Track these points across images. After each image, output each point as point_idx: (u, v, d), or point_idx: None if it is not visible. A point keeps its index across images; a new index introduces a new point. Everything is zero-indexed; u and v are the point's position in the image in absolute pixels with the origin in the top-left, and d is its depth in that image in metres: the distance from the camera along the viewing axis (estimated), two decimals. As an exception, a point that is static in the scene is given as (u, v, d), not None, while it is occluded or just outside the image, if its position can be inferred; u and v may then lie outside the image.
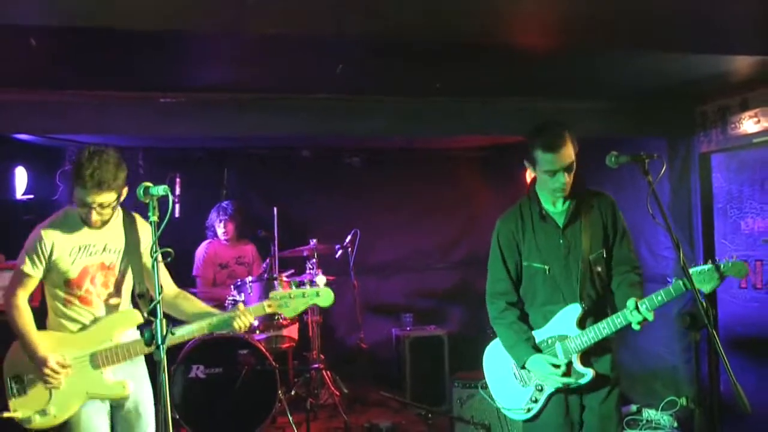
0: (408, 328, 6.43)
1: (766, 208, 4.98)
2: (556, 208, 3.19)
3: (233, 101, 4.57)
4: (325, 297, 3.16)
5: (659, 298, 2.95)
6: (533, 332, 3.22)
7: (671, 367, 5.58)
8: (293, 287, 3.30)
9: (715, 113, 5.19)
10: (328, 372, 5.86)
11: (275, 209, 5.73)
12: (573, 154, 3.03)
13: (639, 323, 2.96)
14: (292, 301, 3.14)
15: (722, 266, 2.90)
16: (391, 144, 6.42)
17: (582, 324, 3.11)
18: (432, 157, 6.88)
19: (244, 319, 3.08)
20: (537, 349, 3.18)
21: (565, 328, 3.14)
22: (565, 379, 3.09)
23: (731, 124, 5.03)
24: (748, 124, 4.87)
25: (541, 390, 3.20)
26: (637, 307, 2.94)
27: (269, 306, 3.16)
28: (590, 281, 3.14)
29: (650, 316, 2.93)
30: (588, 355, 3.14)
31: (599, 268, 3.14)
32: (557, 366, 3.09)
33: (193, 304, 3.25)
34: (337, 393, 5.78)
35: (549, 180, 3.07)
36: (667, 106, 5.28)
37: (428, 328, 6.41)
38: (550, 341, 3.16)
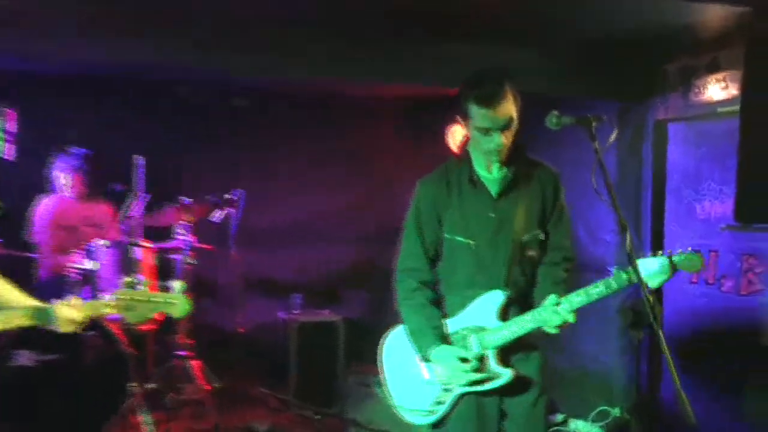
0: (297, 312, 6.43)
1: (726, 190, 5.07)
2: (491, 174, 3.18)
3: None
4: (180, 307, 3.11)
5: (596, 290, 2.96)
6: (447, 321, 3.22)
7: (605, 370, 5.70)
8: (144, 287, 3.16)
9: (678, 75, 5.26)
10: (197, 361, 5.75)
11: (139, 159, 5.62)
12: (513, 111, 3.04)
13: (557, 326, 2.98)
14: (139, 306, 3.06)
15: (675, 258, 2.93)
16: (288, 86, 6.30)
17: (504, 315, 3.13)
18: (339, 105, 6.77)
19: (67, 312, 2.97)
20: (447, 341, 3.19)
21: (483, 317, 3.15)
22: (475, 376, 3.09)
23: (695, 89, 5.10)
24: (714, 90, 4.95)
25: (449, 390, 3.20)
26: (557, 305, 2.97)
27: (109, 306, 3.06)
28: (520, 266, 3.16)
29: (572, 318, 2.95)
30: (509, 353, 3.16)
31: (532, 252, 3.17)
32: (466, 360, 3.10)
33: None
34: (207, 387, 5.69)
35: (482, 139, 3.06)
36: (621, 64, 5.31)
37: (322, 313, 6.43)
38: (464, 333, 3.18)
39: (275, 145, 6.78)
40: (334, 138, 6.89)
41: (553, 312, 2.96)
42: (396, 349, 3.36)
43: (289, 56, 4.80)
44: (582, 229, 5.80)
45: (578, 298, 2.96)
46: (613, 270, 2.99)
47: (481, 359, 3.12)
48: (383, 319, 5.42)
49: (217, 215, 5.79)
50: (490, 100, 2.98)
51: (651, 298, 2.70)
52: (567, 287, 3.11)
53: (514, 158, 3.15)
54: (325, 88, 6.48)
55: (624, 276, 2.91)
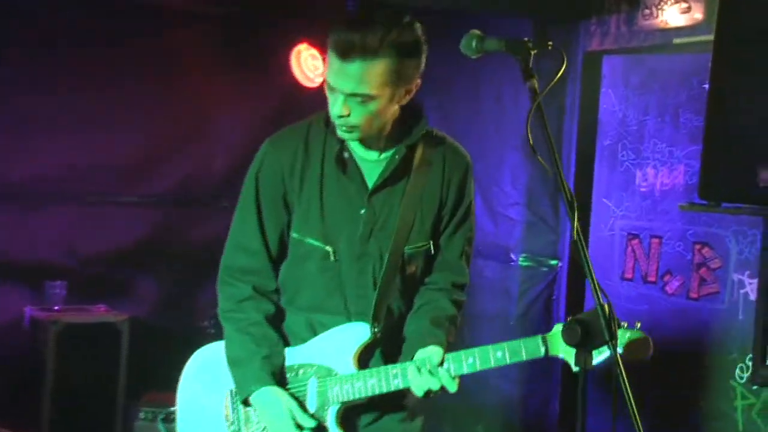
0: (57, 307, 6.19)
1: (677, 153, 5.14)
2: (369, 153, 3.07)
3: None
4: None
5: (497, 356, 2.87)
6: (287, 349, 3.14)
7: (503, 400, 5.70)
8: None
9: None
10: None
11: None
12: (376, 86, 2.86)
13: (426, 393, 2.92)
14: None
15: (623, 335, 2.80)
16: None
17: (363, 360, 3.06)
18: (128, 8, 6.46)
19: None
20: (280, 379, 3.10)
21: (334, 357, 3.07)
22: None
23: (644, 10, 5.23)
24: (671, 13, 5.06)
25: None
26: (441, 364, 2.92)
27: None
28: (398, 288, 3.12)
29: (452, 386, 2.90)
30: (362, 413, 3.11)
31: (415, 269, 3.13)
32: (301, 428, 3.02)
33: None
34: None
35: (329, 96, 2.93)
36: None
37: (94, 309, 6.31)
38: (303, 371, 3.11)
39: (38, 64, 6.35)
40: (120, 56, 6.56)
41: (429, 375, 2.90)
42: (205, 373, 3.27)
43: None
44: (477, 199, 5.71)
45: (469, 361, 2.88)
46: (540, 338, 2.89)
47: (319, 423, 3.05)
48: (189, 320, 5.03)
49: None
50: (343, 49, 2.82)
51: (606, 305, 2.52)
52: (451, 330, 3.07)
53: (407, 134, 3.07)
54: None
55: (542, 349, 2.82)
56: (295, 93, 6.35)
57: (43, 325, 5.96)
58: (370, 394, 2.99)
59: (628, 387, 2.41)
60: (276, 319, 3.14)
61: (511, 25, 5.44)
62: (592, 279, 2.56)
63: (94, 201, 6.72)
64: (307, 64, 6.53)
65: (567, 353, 2.79)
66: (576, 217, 2.56)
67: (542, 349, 2.83)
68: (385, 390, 2.97)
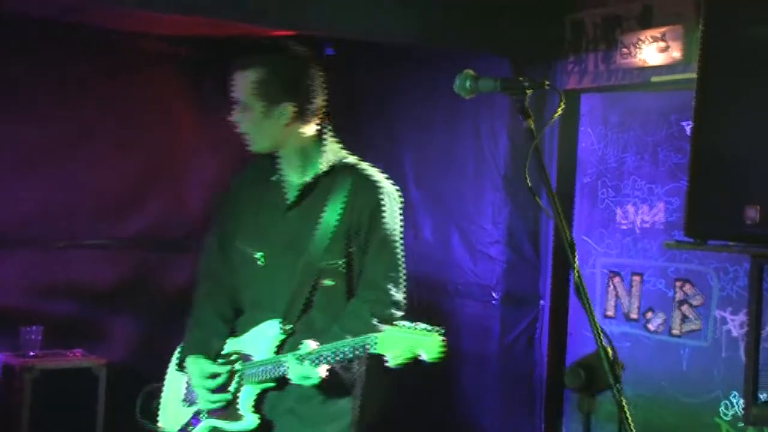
0: (32, 353, 6.09)
1: (657, 190, 5.15)
2: (293, 177, 3.46)
3: None
4: None
5: (346, 348, 3.12)
6: (230, 339, 3.54)
7: None
8: None
9: (597, 27, 5.30)
10: None
11: None
12: (248, 95, 3.34)
13: (303, 379, 3.23)
14: None
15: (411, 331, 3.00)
16: (22, 6, 5.84)
17: (277, 351, 3.40)
18: (102, 42, 6.41)
19: None
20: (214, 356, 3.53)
21: (254, 347, 3.46)
22: (215, 399, 3.43)
23: (622, 48, 5.21)
24: (649, 51, 5.04)
25: (199, 414, 3.55)
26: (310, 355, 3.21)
27: None
28: (308, 297, 3.39)
29: (315, 376, 3.18)
30: (280, 397, 3.40)
31: (329, 282, 3.40)
32: (215, 376, 3.43)
33: None
34: None
35: None
36: (516, 5, 5.32)
37: (71, 354, 6.22)
38: (233, 357, 3.50)
39: (6, 97, 6.25)
40: (90, 95, 6.50)
41: (296, 360, 3.20)
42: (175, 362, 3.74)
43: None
44: (455, 235, 5.80)
45: (325, 353, 3.17)
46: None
47: (234, 397, 3.43)
48: (167, 364, 5.05)
49: None
50: (236, 64, 3.38)
51: (608, 347, 2.56)
52: (382, 315, 3.27)
53: (324, 162, 3.43)
54: (89, 18, 6.09)
55: (373, 347, 3.03)
56: None
57: (18, 372, 5.85)
58: (268, 377, 3.33)
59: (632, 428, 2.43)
60: (225, 314, 3.54)
61: (489, 63, 5.40)
62: (594, 321, 2.56)
63: (66, 245, 6.61)
64: None
65: (392, 352, 2.94)
66: (576, 259, 2.58)
67: (373, 348, 3.00)
68: (276, 375, 3.29)
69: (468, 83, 2.82)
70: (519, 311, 5.51)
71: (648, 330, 5.10)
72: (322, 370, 3.17)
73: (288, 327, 3.36)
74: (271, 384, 3.37)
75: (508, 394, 5.59)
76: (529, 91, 2.71)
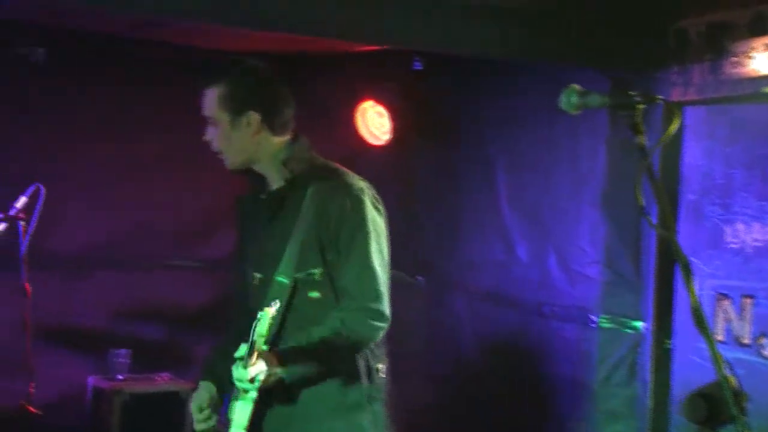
0: (120, 377, 6.19)
1: None
2: (275, 183, 3.63)
3: None
4: None
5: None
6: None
7: None
8: None
9: (702, 36, 5.14)
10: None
11: None
12: (215, 108, 3.54)
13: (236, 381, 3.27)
14: None
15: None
16: (109, 27, 5.95)
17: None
18: (183, 60, 6.41)
19: None
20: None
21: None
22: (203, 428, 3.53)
23: (730, 57, 5.01)
24: (762, 60, 4.83)
25: None
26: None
27: None
28: (299, 312, 3.47)
29: (244, 378, 3.21)
30: (272, 416, 3.49)
31: (314, 294, 3.49)
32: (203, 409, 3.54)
33: None
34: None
35: None
36: (614, 16, 5.19)
37: (159, 378, 6.33)
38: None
39: (90, 120, 6.36)
40: (176, 112, 6.14)
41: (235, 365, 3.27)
42: None
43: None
44: (552, 258, 5.70)
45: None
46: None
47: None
48: None
49: None
50: (199, 84, 3.60)
51: (733, 380, 2.53)
52: (339, 339, 3.37)
53: (292, 165, 3.57)
54: (173, 37, 6.19)
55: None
56: (361, 151, 6.23)
57: (107, 395, 5.97)
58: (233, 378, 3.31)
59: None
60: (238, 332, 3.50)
61: (586, 76, 4.98)
62: (713, 348, 2.51)
63: (153, 266, 6.71)
64: (373, 121, 6.52)
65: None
66: (692, 281, 2.54)
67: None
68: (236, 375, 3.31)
69: (574, 99, 2.77)
70: (619, 335, 5.34)
71: (763, 356, 4.86)
72: (254, 371, 3.18)
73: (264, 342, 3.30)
74: (249, 403, 3.34)
75: (607, 424, 5.46)
76: (640, 107, 2.66)
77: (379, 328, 3.44)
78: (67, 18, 5.87)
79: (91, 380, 6.14)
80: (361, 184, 3.54)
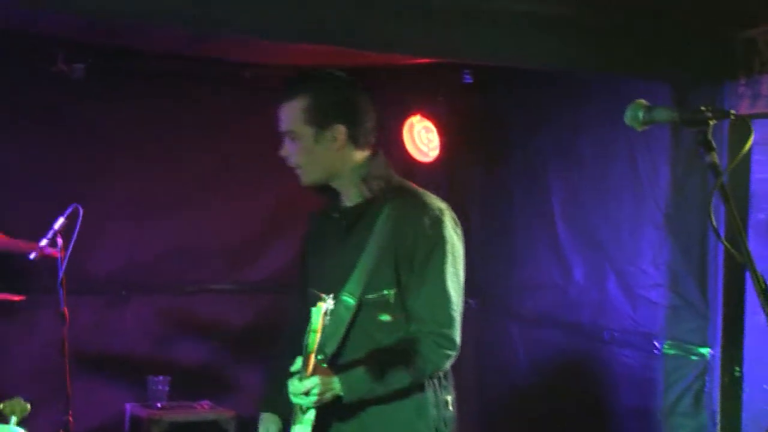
0: (159, 404, 6.18)
1: None
2: (350, 199, 3.56)
3: None
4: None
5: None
6: None
7: None
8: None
9: None
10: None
11: None
12: (295, 124, 3.45)
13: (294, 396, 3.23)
14: None
15: None
16: (148, 44, 5.89)
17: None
18: (226, 77, 6.55)
19: None
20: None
21: None
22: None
23: None
24: None
25: None
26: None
27: None
28: (364, 334, 3.38)
29: (294, 394, 3.20)
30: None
31: (385, 317, 3.40)
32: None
33: None
34: None
35: None
36: (678, 25, 5.06)
37: (198, 406, 6.32)
38: None
39: (129, 140, 6.37)
40: (221, 130, 6.57)
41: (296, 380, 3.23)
42: None
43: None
44: (612, 280, 5.58)
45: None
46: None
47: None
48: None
49: (36, 251, 5.45)
50: (278, 97, 3.52)
51: None
52: (412, 368, 3.30)
53: (371, 181, 3.50)
54: (216, 51, 6.12)
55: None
56: (408, 168, 6.13)
57: (145, 423, 5.97)
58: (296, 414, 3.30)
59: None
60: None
61: (646, 87, 5.10)
62: None
63: (194, 290, 6.69)
64: (421, 137, 6.46)
65: None
66: None
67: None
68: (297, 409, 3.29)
69: (641, 114, 2.71)
70: (685, 362, 5.12)
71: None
72: (309, 384, 3.16)
73: (320, 357, 3.28)
74: (308, 426, 3.29)
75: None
76: (712, 122, 2.59)
77: (449, 357, 3.37)
78: (110, 35, 5.82)
79: (129, 407, 6.17)
80: (440, 204, 3.46)
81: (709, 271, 5.20)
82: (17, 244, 5.46)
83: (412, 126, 6.48)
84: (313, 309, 3.18)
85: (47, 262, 5.46)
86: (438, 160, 6.41)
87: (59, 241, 5.46)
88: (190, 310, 6.70)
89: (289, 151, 3.48)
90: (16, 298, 5.34)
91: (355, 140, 3.43)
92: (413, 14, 4.66)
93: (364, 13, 4.72)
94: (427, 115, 6.34)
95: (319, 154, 3.44)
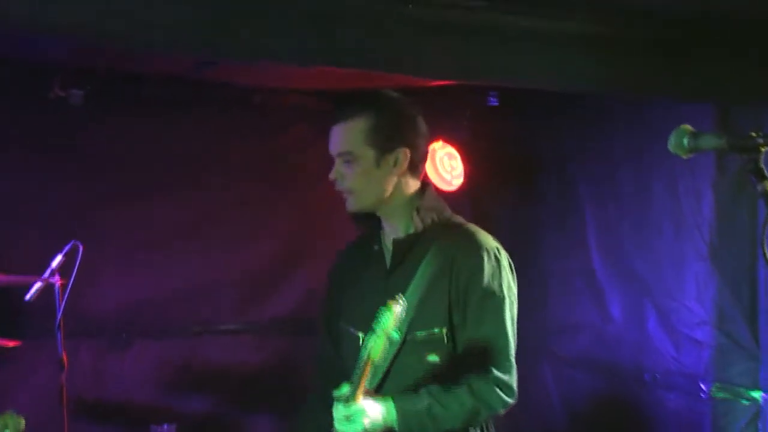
0: None
1: None
2: (393, 235, 3.52)
3: None
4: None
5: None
6: None
7: None
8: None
9: None
10: None
11: None
12: (355, 145, 3.37)
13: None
14: None
15: None
16: (149, 67, 5.86)
17: None
18: (237, 101, 6.45)
19: None
20: None
21: None
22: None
23: None
24: None
25: None
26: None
27: None
28: (408, 373, 3.35)
29: (340, 415, 3.19)
30: None
31: (433, 358, 3.36)
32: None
33: None
34: None
35: None
36: (719, 44, 4.89)
37: None
38: None
39: (133, 169, 6.26)
40: (231, 159, 6.53)
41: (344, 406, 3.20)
42: None
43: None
44: (653, 317, 5.41)
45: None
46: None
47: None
48: None
49: (33, 291, 5.42)
50: (335, 115, 3.44)
51: None
52: (477, 409, 3.27)
53: (421, 213, 3.46)
54: (224, 75, 6.00)
55: None
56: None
57: None
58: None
59: None
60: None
61: (686, 109, 4.97)
62: None
63: (199, 331, 6.57)
64: (443, 164, 6.31)
65: None
66: None
67: None
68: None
69: (686, 141, 2.73)
70: (734, 407, 4.92)
71: None
72: (355, 409, 3.14)
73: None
74: None
75: None
76: (763, 148, 2.61)
77: (506, 404, 3.32)
78: (110, 60, 5.70)
79: (140, 463, 6.02)
80: (495, 243, 3.41)
81: (760, 308, 4.98)
82: (12, 283, 5.38)
83: (434, 152, 6.31)
84: (370, 337, 3.13)
85: (44, 302, 5.37)
86: (462, 189, 6.24)
87: (57, 280, 5.36)
88: (196, 352, 6.58)
89: (342, 174, 3.39)
90: (11, 343, 5.21)
91: (413, 166, 3.38)
92: (428, 33, 4.45)
93: (377, 32, 4.50)
94: (450, 141, 6.18)
95: (378, 179, 3.38)
